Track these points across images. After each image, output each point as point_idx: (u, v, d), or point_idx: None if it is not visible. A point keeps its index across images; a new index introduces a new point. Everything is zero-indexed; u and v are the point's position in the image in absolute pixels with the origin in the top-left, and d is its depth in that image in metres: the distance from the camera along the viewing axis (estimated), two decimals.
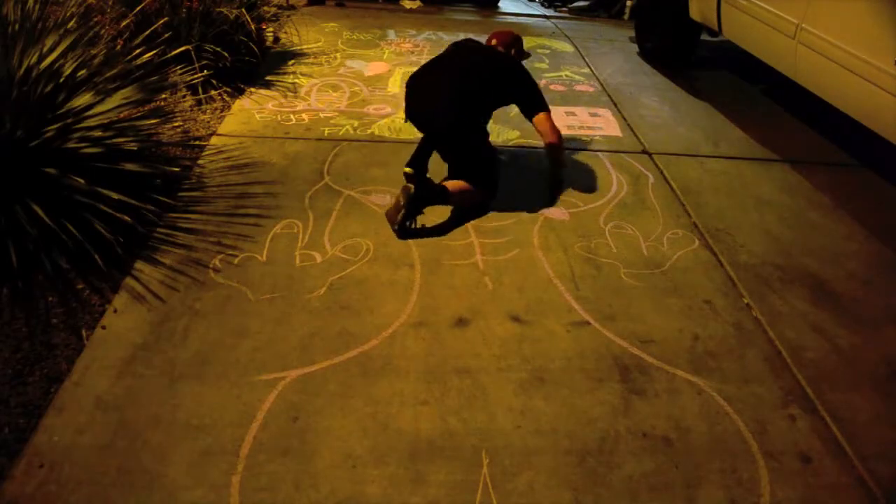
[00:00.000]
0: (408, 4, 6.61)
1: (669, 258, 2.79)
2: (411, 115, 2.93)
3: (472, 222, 2.90)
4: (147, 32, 3.43)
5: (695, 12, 4.96)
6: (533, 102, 3.00)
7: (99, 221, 2.36)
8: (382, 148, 3.51)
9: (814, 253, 2.91)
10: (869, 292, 2.70)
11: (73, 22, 2.97)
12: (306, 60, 4.70)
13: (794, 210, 3.26)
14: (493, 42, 3.15)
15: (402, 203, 2.67)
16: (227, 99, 3.90)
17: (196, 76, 3.72)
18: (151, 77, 3.14)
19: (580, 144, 3.76)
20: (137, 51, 3.17)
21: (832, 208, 3.31)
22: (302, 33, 5.07)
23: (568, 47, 5.66)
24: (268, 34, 4.73)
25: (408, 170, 2.89)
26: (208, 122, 3.63)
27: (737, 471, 1.87)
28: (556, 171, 3.23)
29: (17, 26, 2.67)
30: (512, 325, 2.33)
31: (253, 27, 4.13)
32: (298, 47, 4.92)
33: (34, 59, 2.54)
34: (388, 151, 3.47)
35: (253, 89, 4.09)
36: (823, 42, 3.47)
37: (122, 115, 2.77)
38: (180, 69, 3.72)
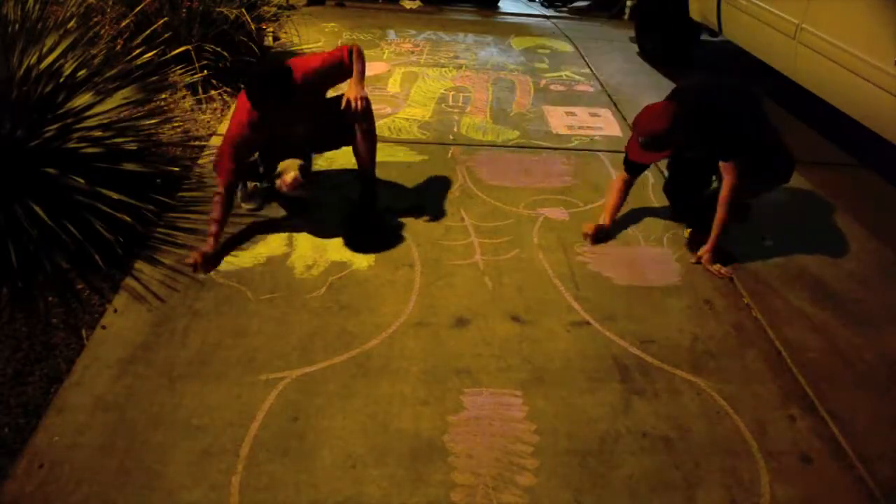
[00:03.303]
0: (408, 4, 6.61)
1: (669, 258, 2.78)
2: None
3: (472, 222, 2.90)
4: (147, 32, 3.43)
5: (695, 12, 4.95)
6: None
7: (99, 221, 2.36)
8: (382, 148, 3.51)
9: (814, 253, 2.91)
10: (869, 292, 2.69)
11: (73, 22, 2.96)
12: None
13: (795, 210, 3.25)
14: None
15: None
16: (227, 99, 3.90)
17: (196, 76, 3.71)
18: (151, 77, 3.14)
19: (580, 144, 3.76)
20: (137, 51, 3.16)
21: (832, 208, 3.30)
22: (302, 33, 5.06)
23: (568, 47, 5.66)
24: (268, 34, 4.72)
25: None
26: (208, 122, 3.63)
27: (737, 471, 1.87)
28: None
29: (17, 26, 2.67)
30: (512, 325, 2.33)
31: (253, 27, 4.13)
32: (298, 47, 4.91)
33: (34, 59, 2.54)
34: (388, 151, 3.47)
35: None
36: (823, 42, 3.47)
37: (122, 115, 2.77)
38: (180, 69, 3.72)
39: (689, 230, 2.91)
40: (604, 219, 2.86)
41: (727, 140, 2.52)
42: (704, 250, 2.72)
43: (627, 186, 2.85)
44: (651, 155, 2.57)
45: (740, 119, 2.55)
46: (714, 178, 2.82)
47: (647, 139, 2.49)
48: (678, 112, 2.46)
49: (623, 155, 2.76)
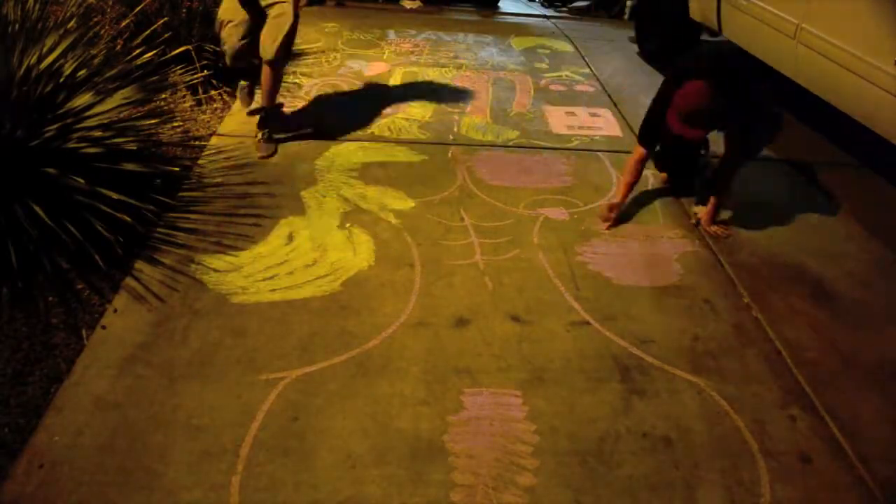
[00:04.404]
0: (408, 4, 6.60)
1: (669, 258, 2.79)
2: None
3: (472, 222, 2.90)
4: (147, 32, 3.42)
5: (695, 12, 4.95)
6: None
7: (99, 221, 2.36)
8: (382, 148, 3.51)
9: (814, 253, 2.91)
10: (869, 292, 2.70)
11: (73, 22, 2.96)
12: (306, 60, 4.70)
13: (794, 210, 3.26)
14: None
15: None
16: (227, 99, 3.90)
17: (196, 76, 3.71)
18: (151, 77, 3.14)
19: (580, 144, 3.76)
20: (137, 51, 3.16)
21: (832, 208, 3.31)
22: (302, 33, 5.06)
23: (568, 47, 5.66)
24: None
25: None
26: (208, 122, 3.63)
27: (737, 471, 1.87)
28: None
29: (17, 26, 2.67)
30: (512, 325, 2.33)
31: None
32: (298, 47, 4.91)
33: (34, 59, 2.54)
34: (388, 151, 3.47)
35: (253, 89, 4.08)
36: (823, 42, 3.47)
37: (122, 115, 2.77)
38: (180, 69, 3.71)
39: (696, 211, 3.05)
40: (618, 196, 2.98)
41: (752, 102, 2.64)
42: (706, 212, 2.86)
43: (643, 163, 2.94)
44: (696, 131, 2.58)
45: (758, 81, 2.73)
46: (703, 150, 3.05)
47: (694, 114, 2.49)
48: (712, 85, 2.47)
49: (624, 155, 2.76)
